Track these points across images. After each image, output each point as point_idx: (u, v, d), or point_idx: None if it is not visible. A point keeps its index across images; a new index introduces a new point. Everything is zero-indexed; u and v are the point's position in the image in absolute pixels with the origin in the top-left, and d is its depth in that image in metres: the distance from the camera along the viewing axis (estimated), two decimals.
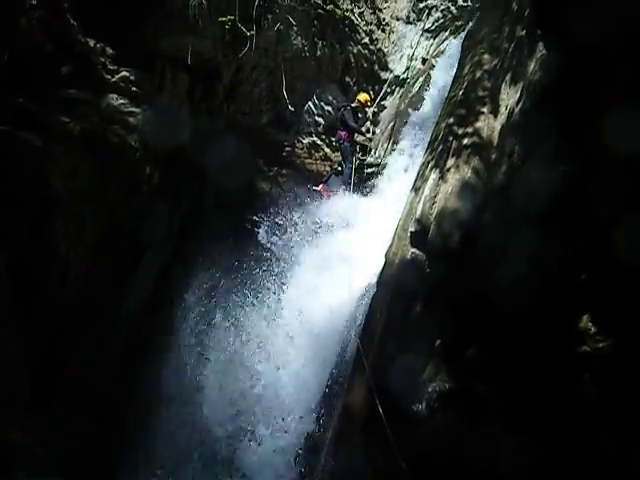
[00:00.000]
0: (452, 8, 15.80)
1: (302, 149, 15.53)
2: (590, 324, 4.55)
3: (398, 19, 16.42)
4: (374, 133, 15.37)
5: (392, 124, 14.86)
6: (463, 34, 13.24)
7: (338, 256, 11.50)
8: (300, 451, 9.55)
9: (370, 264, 9.78)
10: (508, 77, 7.14)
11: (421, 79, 14.93)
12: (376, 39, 16.26)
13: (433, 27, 16.00)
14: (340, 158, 14.76)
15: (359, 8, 16.06)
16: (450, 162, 7.46)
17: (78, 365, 10.11)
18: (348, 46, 15.91)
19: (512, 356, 5.19)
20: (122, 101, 11.54)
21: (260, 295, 12.05)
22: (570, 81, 4.91)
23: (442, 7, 15.93)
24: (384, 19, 16.38)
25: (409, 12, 16.29)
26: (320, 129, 15.78)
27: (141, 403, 11.02)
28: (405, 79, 15.92)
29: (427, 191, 7.65)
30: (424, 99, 14.20)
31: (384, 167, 14.22)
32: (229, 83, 13.96)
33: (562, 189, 4.78)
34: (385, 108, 15.97)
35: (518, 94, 6.52)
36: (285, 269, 12.36)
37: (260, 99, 14.77)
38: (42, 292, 9.44)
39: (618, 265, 4.18)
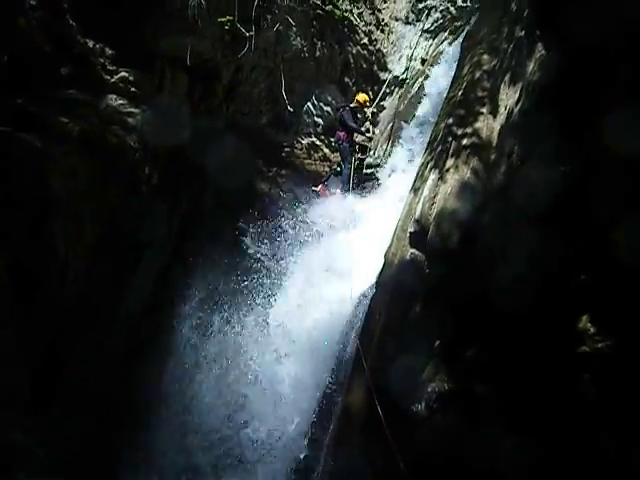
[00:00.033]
0: (451, 9, 15.82)
1: (301, 150, 15.54)
2: (589, 324, 4.55)
3: (397, 19, 16.43)
4: (373, 133, 15.36)
5: (391, 125, 14.86)
6: (460, 37, 13.28)
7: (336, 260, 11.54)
8: (300, 450, 9.56)
9: (369, 268, 9.78)
10: (507, 77, 7.14)
11: (416, 86, 14.95)
12: (375, 39, 16.27)
13: (432, 27, 16.02)
14: (339, 159, 14.77)
15: (358, 8, 16.07)
16: (449, 162, 7.46)
17: (78, 365, 10.10)
18: (347, 46, 15.92)
19: (512, 356, 5.19)
20: (121, 102, 11.54)
21: (259, 295, 12.05)
22: (570, 81, 4.91)
23: (441, 7, 15.95)
24: (383, 19, 16.39)
25: (408, 12, 16.30)
26: (319, 130, 15.80)
27: (141, 403, 11.00)
28: (404, 79, 15.93)
29: (426, 191, 7.64)
30: (414, 113, 14.22)
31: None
32: (228, 83, 13.98)
33: (562, 189, 4.78)
34: (384, 109, 15.98)
35: (517, 94, 6.52)
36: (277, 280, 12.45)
37: (259, 99, 14.78)
38: (42, 292, 9.44)
39: (618, 265, 4.19)
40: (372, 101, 15.67)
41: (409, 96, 14.94)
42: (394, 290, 7.90)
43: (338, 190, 14.01)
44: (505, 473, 4.99)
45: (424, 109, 14.09)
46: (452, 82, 9.97)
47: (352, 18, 15.80)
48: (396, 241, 8.42)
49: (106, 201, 10.74)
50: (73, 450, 9.30)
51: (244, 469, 10.25)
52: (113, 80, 11.60)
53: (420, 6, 16.19)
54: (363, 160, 14.75)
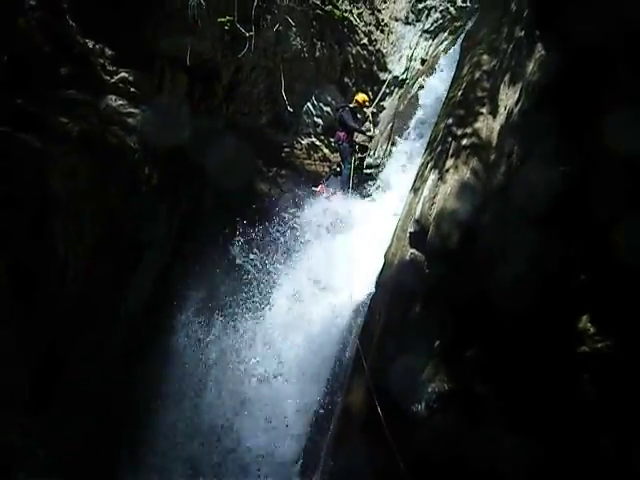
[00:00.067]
0: (451, 9, 15.78)
1: (301, 150, 15.53)
2: (589, 324, 4.55)
3: (397, 20, 16.39)
4: (372, 138, 15.33)
5: (391, 125, 14.85)
6: (458, 39, 13.27)
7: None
8: (300, 450, 9.56)
9: (368, 271, 9.79)
10: (507, 78, 7.14)
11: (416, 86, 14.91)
12: (375, 40, 16.23)
13: (432, 28, 15.98)
14: (339, 159, 14.76)
15: (358, 9, 16.04)
16: (449, 163, 7.46)
17: (78, 365, 10.11)
18: (347, 47, 15.90)
19: (512, 356, 5.19)
20: (121, 102, 11.56)
21: (259, 293, 12.06)
22: (570, 81, 4.91)
23: (441, 8, 15.90)
24: (383, 20, 16.35)
25: (408, 13, 16.27)
26: (319, 130, 15.78)
27: (141, 403, 11.02)
28: (404, 80, 15.91)
29: (426, 192, 7.64)
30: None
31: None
32: (228, 83, 13.97)
33: (562, 189, 4.78)
34: (384, 109, 15.96)
35: (517, 94, 6.52)
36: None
37: (259, 100, 14.77)
38: (42, 292, 9.45)
39: (618, 265, 4.19)
40: (372, 101, 15.64)
41: (409, 96, 14.92)
42: (394, 290, 7.90)
43: (338, 190, 13.98)
44: (505, 473, 4.99)
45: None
46: (452, 82, 9.97)
47: (352, 18, 15.78)
48: (396, 241, 8.42)
49: (106, 201, 10.75)
50: (73, 450, 9.32)
51: (244, 469, 10.24)
52: (113, 80, 11.61)
53: (420, 6, 16.15)
54: (363, 160, 14.74)
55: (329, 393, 9.52)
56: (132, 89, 11.75)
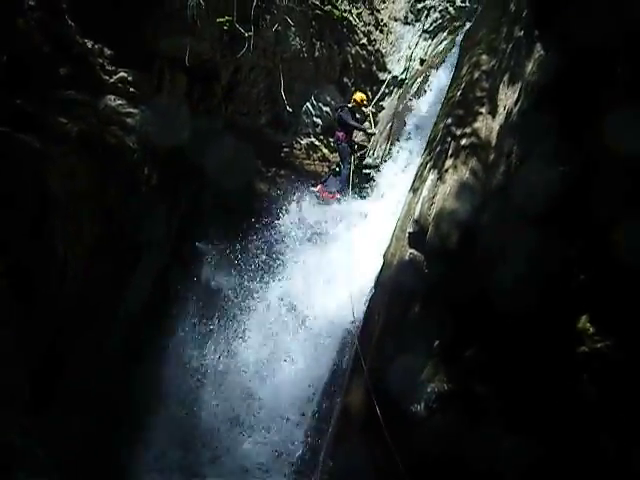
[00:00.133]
0: (450, 9, 15.77)
1: (300, 150, 15.52)
2: (588, 324, 4.56)
3: (396, 20, 16.38)
4: (373, 135, 15.32)
5: (390, 125, 14.84)
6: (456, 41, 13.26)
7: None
8: (299, 451, 9.56)
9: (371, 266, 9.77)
10: (506, 78, 7.15)
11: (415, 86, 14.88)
12: (374, 40, 16.23)
13: (431, 28, 15.98)
14: (338, 159, 14.75)
15: (357, 9, 16.03)
16: (448, 163, 7.47)
17: (77, 365, 10.11)
18: (346, 47, 15.89)
19: (511, 356, 5.20)
20: (120, 102, 11.54)
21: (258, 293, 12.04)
22: (569, 81, 4.91)
23: (440, 8, 15.89)
24: (382, 20, 16.34)
25: (407, 13, 16.26)
26: (318, 130, 15.77)
27: (141, 403, 11.00)
28: (403, 80, 15.90)
29: (425, 192, 7.64)
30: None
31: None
32: (227, 84, 13.97)
33: (561, 189, 4.78)
34: (383, 109, 15.95)
35: (516, 94, 6.52)
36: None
37: (258, 100, 14.77)
38: (41, 292, 9.45)
39: (618, 265, 4.19)
40: (370, 101, 15.63)
41: (408, 96, 14.91)
42: (393, 290, 7.90)
43: (337, 190, 13.96)
44: (505, 473, 4.99)
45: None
46: (451, 82, 9.97)
47: (351, 18, 15.77)
48: (395, 241, 8.42)
49: (105, 201, 10.74)
50: (73, 450, 9.30)
51: (244, 468, 10.24)
52: (112, 80, 11.60)
53: (419, 6, 16.14)
54: (362, 160, 14.74)
55: (328, 394, 9.52)
56: (131, 89, 11.74)
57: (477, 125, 7.37)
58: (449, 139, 7.82)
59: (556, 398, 4.73)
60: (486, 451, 5.19)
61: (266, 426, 10.30)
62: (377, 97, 15.99)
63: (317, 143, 15.71)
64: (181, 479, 10.74)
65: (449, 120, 8.22)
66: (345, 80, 16.11)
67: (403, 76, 15.98)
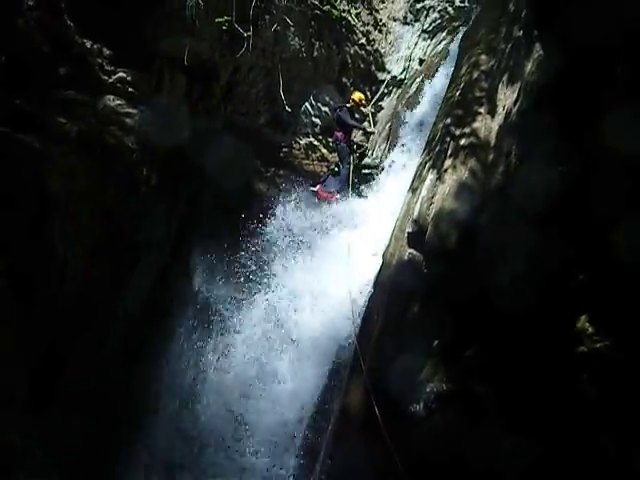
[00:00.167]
0: (449, 9, 15.77)
1: (299, 150, 15.52)
2: (588, 324, 4.56)
3: (395, 20, 16.38)
4: (372, 134, 15.32)
5: (389, 125, 14.84)
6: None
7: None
8: (298, 451, 9.55)
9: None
10: (505, 78, 7.15)
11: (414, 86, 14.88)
12: (373, 40, 16.22)
13: (430, 28, 15.99)
14: (337, 159, 14.75)
15: (356, 9, 16.02)
16: (447, 163, 7.46)
17: (77, 365, 10.11)
18: (345, 47, 15.89)
19: (511, 356, 5.20)
20: (119, 102, 11.56)
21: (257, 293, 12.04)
22: (569, 81, 4.91)
23: (439, 8, 15.89)
24: (381, 20, 16.34)
25: (406, 13, 16.25)
26: (317, 130, 15.77)
27: (140, 403, 11.01)
28: (402, 80, 15.91)
29: (424, 192, 7.64)
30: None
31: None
32: (226, 84, 13.97)
33: (561, 189, 4.78)
34: (382, 109, 15.96)
35: (515, 94, 6.52)
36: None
37: (257, 100, 14.76)
38: (41, 292, 9.46)
39: (618, 265, 4.19)
40: (369, 101, 15.64)
41: (407, 96, 14.91)
42: (392, 290, 7.91)
43: (336, 190, 13.95)
44: (505, 473, 5.00)
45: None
46: (450, 82, 9.98)
47: (350, 18, 15.76)
48: (394, 241, 8.43)
49: (105, 201, 10.75)
50: (72, 450, 9.31)
51: (243, 468, 10.24)
52: (111, 80, 11.61)
53: (418, 6, 16.13)
54: (361, 160, 14.73)
55: (328, 394, 9.52)
56: (130, 89, 11.75)
57: (476, 125, 7.37)
58: (448, 139, 7.82)
59: (556, 398, 4.73)
60: (486, 451, 5.19)
61: (267, 420, 10.27)
62: (376, 97, 16.00)
63: (316, 143, 15.71)
64: (181, 479, 10.76)
65: (448, 120, 8.22)
66: (344, 80, 16.10)
67: (402, 76, 15.99)
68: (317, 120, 15.76)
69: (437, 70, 13.74)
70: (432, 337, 6.54)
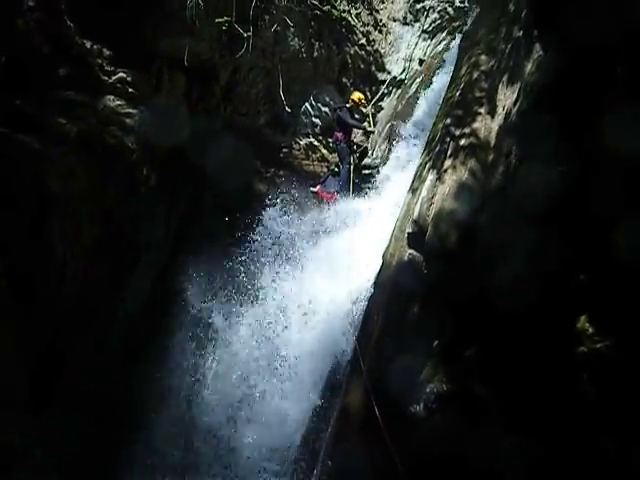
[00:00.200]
0: (449, 9, 15.77)
1: (299, 150, 15.53)
2: (587, 325, 4.56)
3: (395, 20, 16.39)
4: (372, 133, 15.32)
5: (389, 125, 14.84)
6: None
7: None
8: (298, 451, 9.55)
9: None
10: (505, 78, 7.14)
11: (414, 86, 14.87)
12: (373, 40, 16.23)
13: (430, 28, 15.99)
14: (337, 159, 14.74)
15: (356, 9, 16.03)
16: (447, 163, 7.45)
17: (77, 365, 10.12)
18: (345, 47, 15.90)
19: (511, 356, 5.19)
20: (119, 102, 11.55)
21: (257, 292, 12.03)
22: (569, 81, 4.91)
23: (439, 8, 15.89)
24: (381, 20, 16.35)
25: (406, 13, 16.26)
26: (317, 130, 15.78)
27: (140, 403, 11.00)
28: (402, 80, 15.92)
29: (424, 192, 7.63)
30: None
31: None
32: (226, 84, 13.98)
33: (561, 189, 4.78)
34: (382, 109, 15.96)
35: (515, 95, 6.52)
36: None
37: (257, 100, 14.77)
38: (40, 293, 9.46)
39: (618, 265, 4.19)
40: (369, 101, 15.63)
41: (407, 97, 14.92)
42: (392, 291, 7.90)
43: (337, 191, 13.95)
44: (505, 473, 4.99)
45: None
46: (450, 83, 9.97)
47: (350, 19, 15.77)
48: (394, 242, 8.42)
49: (104, 202, 10.75)
50: (72, 450, 9.31)
51: (243, 468, 10.23)
52: (111, 81, 11.60)
53: (418, 7, 16.14)
54: (361, 161, 14.73)
55: (327, 393, 9.51)
56: (130, 89, 11.74)
57: (476, 125, 7.36)
58: (448, 139, 7.81)
59: (556, 398, 4.73)
60: (486, 451, 5.19)
61: (267, 420, 10.28)
62: (376, 97, 16.00)
63: (316, 143, 15.72)
64: (180, 479, 10.76)
65: (448, 120, 8.21)
66: (344, 80, 16.11)
67: (402, 76, 15.99)
68: (317, 120, 15.77)
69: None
70: (432, 337, 6.54)
